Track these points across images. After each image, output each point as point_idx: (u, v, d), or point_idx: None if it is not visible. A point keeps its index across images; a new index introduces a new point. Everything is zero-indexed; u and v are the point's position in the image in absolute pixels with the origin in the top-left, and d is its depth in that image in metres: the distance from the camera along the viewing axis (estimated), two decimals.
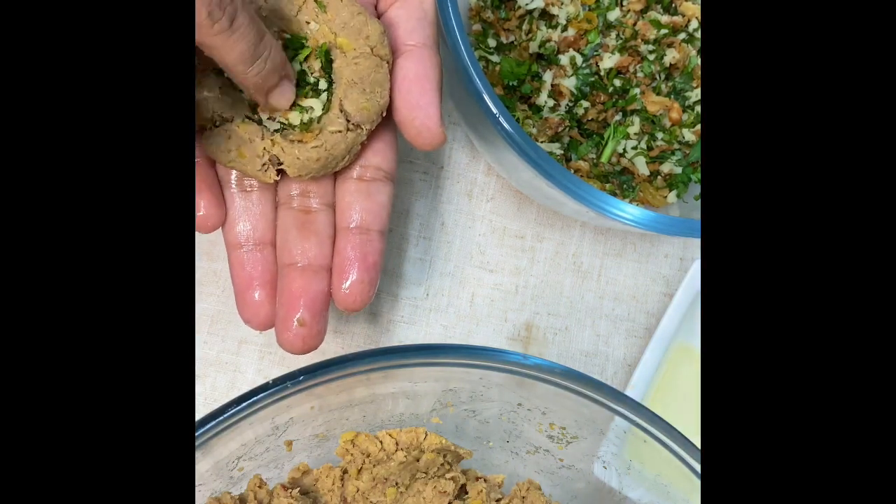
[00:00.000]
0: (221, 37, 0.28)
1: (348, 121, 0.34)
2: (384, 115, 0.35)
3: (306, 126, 0.34)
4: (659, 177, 0.45)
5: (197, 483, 0.33)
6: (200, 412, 0.43)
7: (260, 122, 0.34)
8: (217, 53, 0.29)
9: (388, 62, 0.34)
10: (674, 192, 0.45)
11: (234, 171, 0.35)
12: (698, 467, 0.33)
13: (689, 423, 0.39)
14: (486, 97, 0.34)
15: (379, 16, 0.36)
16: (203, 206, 0.34)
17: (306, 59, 0.34)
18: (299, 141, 0.33)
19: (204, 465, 0.33)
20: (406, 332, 0.46)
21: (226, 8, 0.27)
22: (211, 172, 0.35)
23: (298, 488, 0.35)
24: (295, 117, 0.34)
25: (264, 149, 0.33)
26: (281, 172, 0.34)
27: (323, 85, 0.34)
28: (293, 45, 0.34)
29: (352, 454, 0.36)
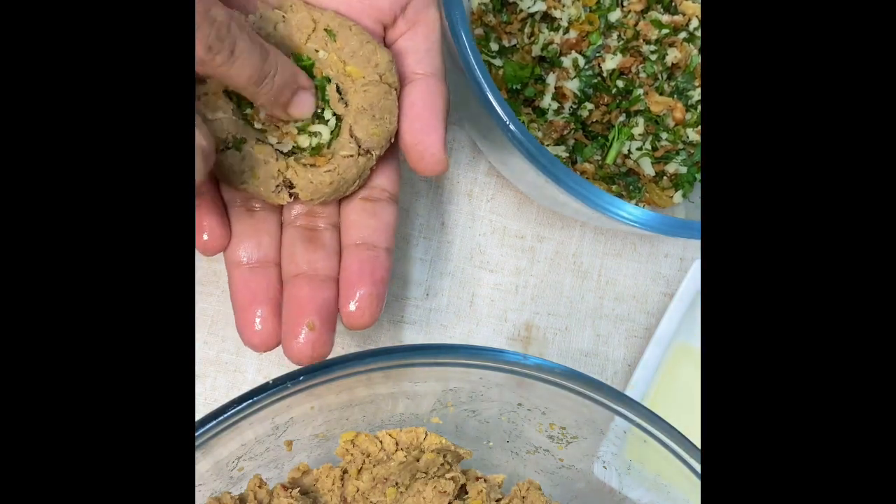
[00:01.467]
0: (225, 67, 0.29)
1: (359, 146, 0.34)
2: (392, 140, 0.35)
3: (315, 150, 0.34)
4: (665, 177, 0.45)
5: (197, 483, 0.33)
6: (200, 412, 0.42)
7: (271, 145, 0.34)
8: (225, 80, 0.30)
9: (395, 89, 0.35)
10: (679, 192, 0.45)
11: (237, 193, 0.35)
12: (698, 467, 0.33)
13: (689, 423, 0.39)
14: (494, 104, 0.34)
15: (388, 46, 0.36)
16: (207, 230, 0.33)
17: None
18: (312, 165, 0.34)
19: (204, 465, 0.33)
20: (406, 332, 0.46)
21: (224, 39, 0.28)
22: (216, 195, 0.35)
23: (298, 488, 0.35)
24: (304, 140, 0.34)
25: (279, 170, 0.33)
26: (291, 196, 0.34)
27: (327, 115, 0.35)
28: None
29: (352, 454, 0.36)
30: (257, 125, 0.34)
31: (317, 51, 0.34)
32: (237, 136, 0.33)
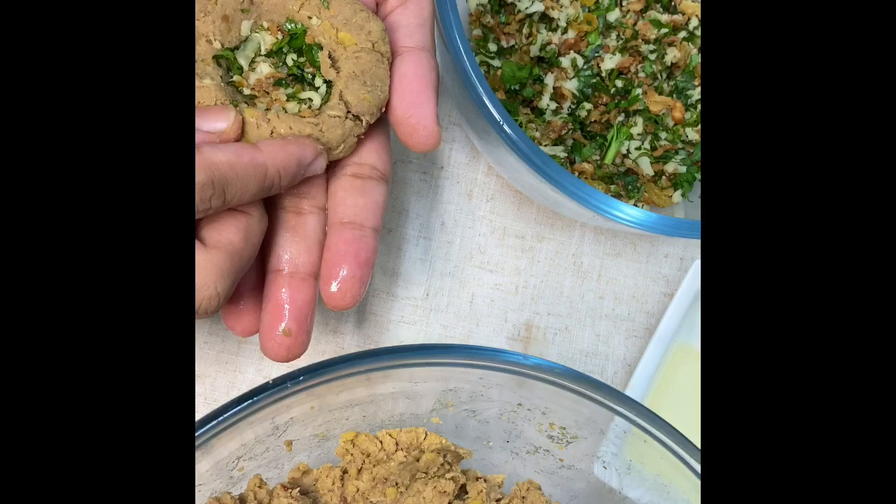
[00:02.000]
0: (224, 208, 0.30)
1: (348, 110, 0.34)
2: (383, 110, 0.35)
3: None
4: (664, 177, 0.45)
5: (197, 483, 0.33)
6: (200, 412, 0.43)
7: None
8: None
9: (388, 59, 0.34)
10: (679, 192, 0.45)
11: None
12: (698, 467, 0.33)
13: (689, 423, 0.39)
14: (489, 104, 0.34)
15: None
16: None
17: (305, 53, 0.35)
18: (297, 115, 0.34)
19: (204, 465, 0.33)
20: (406, 332, 0.46)
21: (209, 199, 0.29)
22: None
23: (298, 488, 0.35)
24: (293, 107, 0.34)
25: (272, 132, 0.33)
26: None
27: (318, 81, 0.34)
28: (294, 43, 0.34)
29: (352, 454, 0.36)
30: (246, 91, 0.34)
31: (310, 17, 0.34)
32: (224, 104, 0.32)
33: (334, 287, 0.33)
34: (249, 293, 0.34)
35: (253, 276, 0.35)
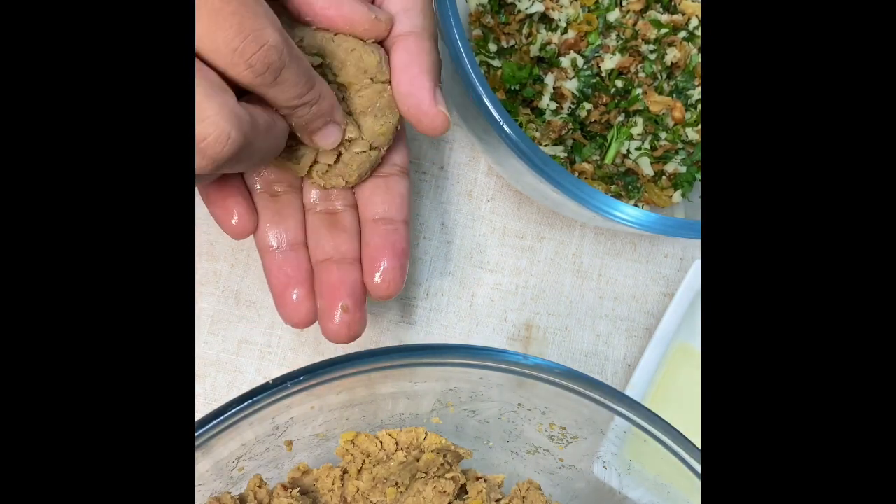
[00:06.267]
0: (264, 88, 0.29)
1: (370, 144, 0.35)
2: (399, 128, 0.36)
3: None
4: (664, 177, 0.45)
5: (197, 483, 0.33)
6: (200, 412, 0.43)
7: None
8: (265, 96, 0.30)
9: (389, 84, 0.35)
10: (679, 192, 0.45)
11: (259, 178, 0.37)
12: (698, 467, 0.33)
13: (689, 423, 0.39)
14: (489, 104, 0.34)
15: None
16: (237, 214, 0.35)
17: None
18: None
19: (204, 465, 0.33)
20: (406, 332, 0.46)
21: (271, 64, 0.28)
22: (240, 180, 0.36)
23: (298, 488, 0.35)
24: None
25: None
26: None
27: None
28: None
29: (352, 454, 0.36)
30: None
31: None
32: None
33: (377, 278, 0.36)
34: (302, 286, 0.36)
35: (302, 271, 0.36)
